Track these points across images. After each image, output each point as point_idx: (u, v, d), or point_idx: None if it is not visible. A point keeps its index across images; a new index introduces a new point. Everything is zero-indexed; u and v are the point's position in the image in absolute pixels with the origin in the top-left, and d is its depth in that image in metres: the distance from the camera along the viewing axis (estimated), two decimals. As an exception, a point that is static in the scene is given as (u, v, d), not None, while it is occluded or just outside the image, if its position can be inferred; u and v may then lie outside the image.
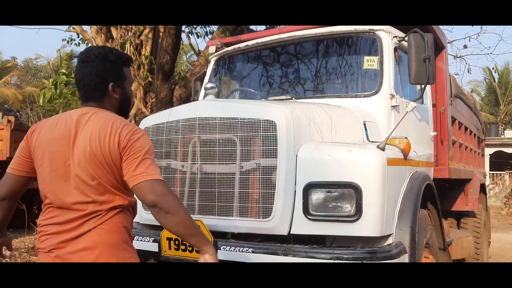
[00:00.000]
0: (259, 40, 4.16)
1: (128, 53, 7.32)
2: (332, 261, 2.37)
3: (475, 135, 6.63)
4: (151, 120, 3.27)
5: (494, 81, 31.14)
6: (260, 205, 2.72)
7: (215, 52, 4.61)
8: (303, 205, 2.63)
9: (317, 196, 2.61)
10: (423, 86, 3.54)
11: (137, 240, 3.01)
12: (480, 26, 8.54)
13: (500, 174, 22.29)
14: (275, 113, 2.74)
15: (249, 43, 4.24)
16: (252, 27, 8.48)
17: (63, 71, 6.21)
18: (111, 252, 1.88)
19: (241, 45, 4.30)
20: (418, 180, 3.04)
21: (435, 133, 4.10)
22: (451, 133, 4.60)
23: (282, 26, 5.73)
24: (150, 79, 7.27)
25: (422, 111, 3.89)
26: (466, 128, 5.80)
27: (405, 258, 2.56)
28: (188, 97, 8.23)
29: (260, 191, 2.73)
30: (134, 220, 3.37)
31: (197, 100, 4.61)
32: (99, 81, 1.93)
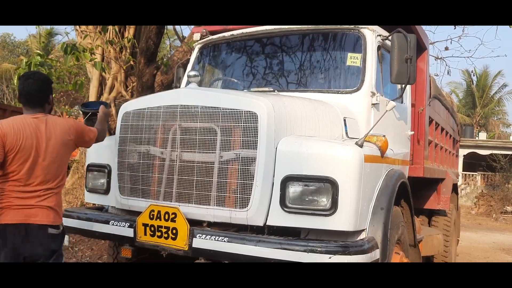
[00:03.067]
0: (245, 30, 4.14)
1: (110, 35, 7.19)
2: (306, 253, 2.41)
3: (450, 136, 6.79)
4: (132, 105, 3.24)
5: (473, 83, 31.80)
6: (238, 195, 2.74)
7: (200, 39, 4.57)
8: (280, 197, 2.66)
9: (294, 189, 2.65)
10: (403, 85, 3.61)
11: (112, 224, 3.01)
12: (462, 28, 8.67)
13: (473, 175, 22.89)
14: (257, 105, 2.75)
15: (235, 32, 4.21)
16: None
17: (38, 51, 6.06)
18: None
19: (226, 34, 4.28)
20: (394, 178, 3.11)
21: (412, 132, 4.19)
22: (427, 133, 4.71)
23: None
24: (132, 62, 7.15)
25: (401, 110, 3.96)
26: (442, 129, 5.93)
27: (376, 253, 2.62)
28: (170, 84, 8.14)
29: (238, 181, 2.74)
30: (110, 204, 3.39)
31: (179, 87, 4.58)
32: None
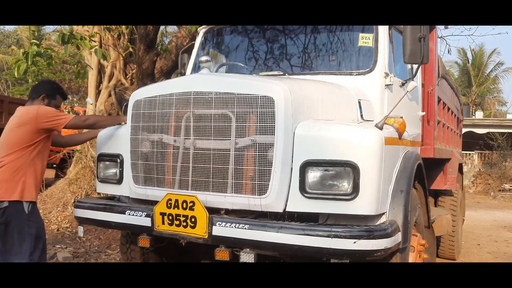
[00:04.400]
0: (251, 13, 4.05)
1: (108, 21, 7.03)
2: (330, 238, 2.38)
3: (455, 115, 6.76)
4: (142, 93, 3.17)
5: (468, 62, 31.72)
6: (256, 182, 2.69)
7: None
8: (300, 183, 2.63)
9: (314, 174, 2.61)
10: (416, 65, 3.56)
11: (129, 214, 2.97)
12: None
13: (470, 154, 23.00)
14: (273, 89, 2.69)
15: (241, 15, 4.12)
16: None
17: (34, 41, 5.92)
18: None
19: (232, 17, 4.18)
20: (411, 159, 3.08)
21: (424, 113, 4.15)
22: (437, 114, 4.67)
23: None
24: (131, 49, 7.03)
25: (412, 91, 3.90)
26: (448, 109, 5.89)
27: (398, 237, 2.60)
28: (170, 70, 8.05)
29: (256, 168, 2.70)
30: (123, 194, 3.35)
31: (184, 73, 4.50)
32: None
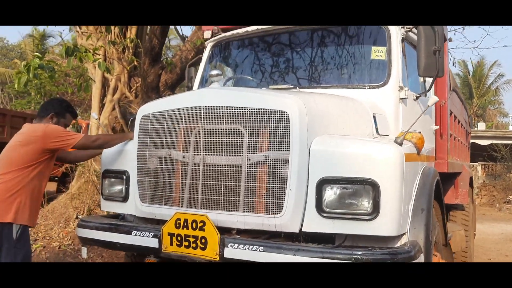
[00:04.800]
0: (260, 27, 3.96)
1: (113, 35, 6.97)
2: (350, 262, 2.25)
3: (464, 128, 6.65)
4: (150, 108, 3.06)
5: (469, 74, 31.74)
6: (270, 200, 2.57)
7: (211, 37, 4.39)
8: (316, 201, 2.50)
9: (331, 192, 2.49)
10: (429, 78, 3.45)
11: (135, 235, 2.83)
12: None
13: (473, 165, 22.84)
14: (287, 103, 2.59)
15: (249, 28, 4.03)
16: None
17: (37, 54, 5.85)
18: None
19: (240, 30, 4.09)
20: (430, 176, 2.95)
21: (437, 127, 4.03)
22: (449, 127, 4.56)
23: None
24: (135, 63, 6.95)
25: (426, 104, 3.80)
26: (458, 121, 5.79)
27: (421, 258, 2.47)
28: (175, 83, 7.97)
29: (270, 185, 2.57)
30: (128, 213, 3.22)
31: (191, 87, 4.40)
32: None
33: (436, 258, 2.99)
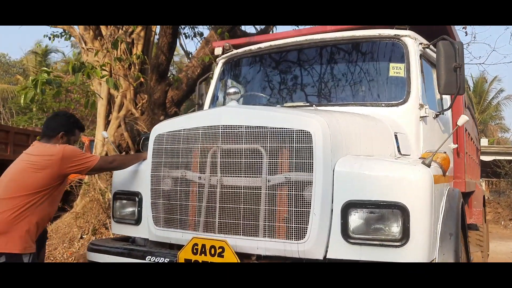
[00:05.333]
0: (273, 43, 3.90)
1: (119, 52, 6.93)
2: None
3: (475, 145, 6.56)
4: (165, 127, 2.96)
5: (470, 90, 31.82)
6: (293, 225, 2.45)
7: (222, 53, 4.32)
8: (342, 226, 2.38)
9: (357, 217, 2.37)
10: (445, 96, 3.37)
11: (149, 260, 2.70)
12: (473, 35, 8.53)
13: (477, 182, 22.68)
14: (310, 122, 2.49)
15: (262, 45, 3.97)
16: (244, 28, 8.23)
17: (45, 68, 5.78)
18: None
19: (253, 47, 4.03)
20: (455, 198, 2.84)
21: (456, 145, 3.93)
22: (466, 145, 4.46)
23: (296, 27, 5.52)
24: (142, 79, 6.90)
25: (445, 122, 3.71)
26: (471, 139, 5.69)
27: (453, 286, 2.33)
28: (181, 99, 7.91)
29: (292, 209, 2.46)
30: (141, 236, 3.10)
31: (202, 104, 4.32)
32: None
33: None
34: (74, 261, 5.67)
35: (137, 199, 3.08)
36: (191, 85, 7.84)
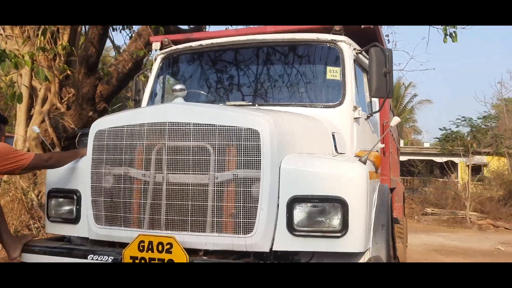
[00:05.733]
0: (214, 41, 3.93)
1: (43, 41, 6.50)
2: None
3: (396, 145, 7.09)
4: (106, 123, 2.88)
5: (388, 94, 33.88)
6: (241, 220, 2.52)
7: (160, 49, 4.27)
8: (287, 220, 2.50)
9: (302, 211, 2.50)
10: (375, 99, 3.63)
11: (92, 259, 2.62)
12: (394, 43, 9.19)
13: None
14: (258, 121, 2.57)
15: (203, 42, 3.99)
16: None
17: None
18: None
19: (194, 44, 4.03)
20: (386, 193, 3.09)
21: (383, 145, 4.24)
22: (391, 145, 4.83)
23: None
24: (68, 72, 6.55)
25: (374, 123, 4.00)
26: (394, 139, 6.15)
27: (385, 273, 2.55)
28: (110, 95, 7.62)
29: (240, 204, 2.53)
30: (80, 235, 2.98)
31: (139, 100, 4.24)
32: None
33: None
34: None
35: (75, 197, 2.96)
36: (121, 80, 7.60)
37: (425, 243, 11.31)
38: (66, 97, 7.04)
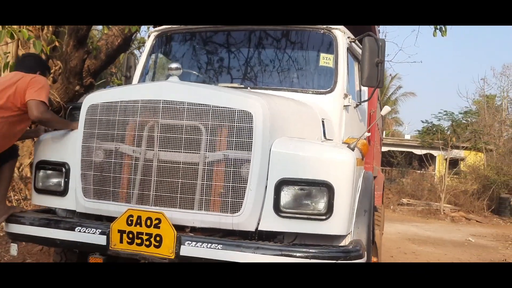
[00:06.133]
0: (209, 22, 3.92)
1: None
2: (308, 260, 2.35)
3: (380, 135, 7.22)
4: (99, 97, 2.88)
5: (373, 85, 34.14)
6: (229, 199, 2.58)
7: (154, 26, 4.25)
8: (274, 202, 2.57)
9: (289, 193, 2.57)
10: (364, 88, 3.70)
11: (79, 231, 2.66)
12: (384, 35, 9.25)
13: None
14: (251, 104, 2.62)
15: (197, 22, 3.97)
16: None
17: None
18: None
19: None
20: (370, 180, 3.18)
21: (369, 134, 4.32)
22: (376, 134, 4.93)
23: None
24: (56, 43, 6.43)
25: (362, 112, 4.08)
26: (378, 129, 6.27)
27: (365, 256, 2.65)
28: (98, 70, 7.52)
29: (230, 184, 2.58)
30: (67, 208, 3.00)
31: (130, 76, 4.22)
32: None
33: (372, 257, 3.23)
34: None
35: (63, 169, 2.97)
36: (110, 55, 7.49)
37: (399, 232, 11.62)
38: (53, 70, 6.91)
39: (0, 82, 3.10)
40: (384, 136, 26.65)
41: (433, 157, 20.91)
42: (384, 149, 23.21)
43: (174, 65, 2.82)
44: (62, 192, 2.97)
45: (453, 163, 19.49)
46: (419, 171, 21.05)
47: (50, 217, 2.88)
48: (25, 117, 3.09)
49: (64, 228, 2.71)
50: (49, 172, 3.04)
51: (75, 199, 2.90)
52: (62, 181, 2.98)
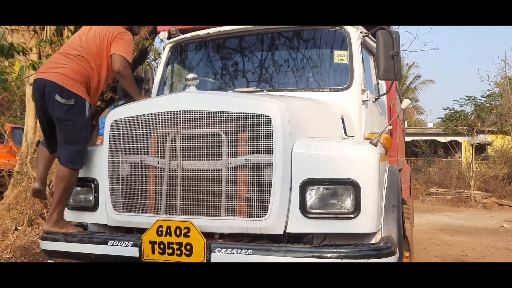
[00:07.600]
0: (222, 28, 3.96)
1: (48, 33, 6.51)
2: (339, 260, 2.34)
3: (402, 126, 7.14)
4: (121, 113, 2.95)
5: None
6: (254, 203, 2.60)
7: (168, 38, 4.31)
8: (300, 203, 2.57)
9: (314, 193, 2.57)
10: (382, 82, 3.66)
11: (112, 245, 2.72)
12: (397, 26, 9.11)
13: (397, 160, 24.39)
14: (269, 107, 2.63)
15: (210, 30, 4.02)
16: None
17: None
18: None
19: (201, 32, 4.06)
20: (396, 174, 3.15)
21: (391, 127, 4.28)
22: (397, 127, 4.87)
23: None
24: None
25: (381, 106, 4.04)
26: (400, 120, 6.20)
27: (398, 253, 2.63)
28: (117, 84, 7.65)
29: (254, 189, 2.60)
30: (99, 222, 3.08)
31: (149, 89, 4.29)
32: None
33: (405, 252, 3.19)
34: (10, 254, 5.40)
35: (93, 185, 3.05)
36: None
37: (430, 223, 11.43)
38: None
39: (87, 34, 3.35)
40: (406, 126, 26.33)
41: (458, 144, 20.51)
42: (408, 139, 22.87)
43: (190, 76, 2.86)
44: (93, 207, 3.05)
45: (480, 148, 19.08)
46: (445, 159, 20.66)
47: (83, 233, 2.96)
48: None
49: (97, 242, 2.78)
50: (79, 188, 3.13)
51: (106, 213, 2.97)
52: (92, 197, 3.06)
